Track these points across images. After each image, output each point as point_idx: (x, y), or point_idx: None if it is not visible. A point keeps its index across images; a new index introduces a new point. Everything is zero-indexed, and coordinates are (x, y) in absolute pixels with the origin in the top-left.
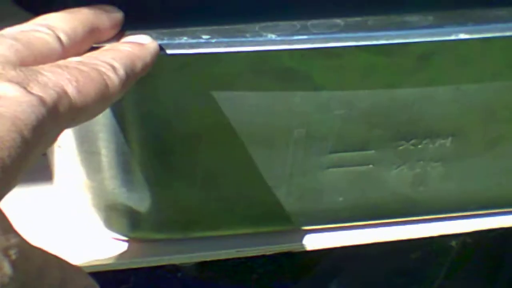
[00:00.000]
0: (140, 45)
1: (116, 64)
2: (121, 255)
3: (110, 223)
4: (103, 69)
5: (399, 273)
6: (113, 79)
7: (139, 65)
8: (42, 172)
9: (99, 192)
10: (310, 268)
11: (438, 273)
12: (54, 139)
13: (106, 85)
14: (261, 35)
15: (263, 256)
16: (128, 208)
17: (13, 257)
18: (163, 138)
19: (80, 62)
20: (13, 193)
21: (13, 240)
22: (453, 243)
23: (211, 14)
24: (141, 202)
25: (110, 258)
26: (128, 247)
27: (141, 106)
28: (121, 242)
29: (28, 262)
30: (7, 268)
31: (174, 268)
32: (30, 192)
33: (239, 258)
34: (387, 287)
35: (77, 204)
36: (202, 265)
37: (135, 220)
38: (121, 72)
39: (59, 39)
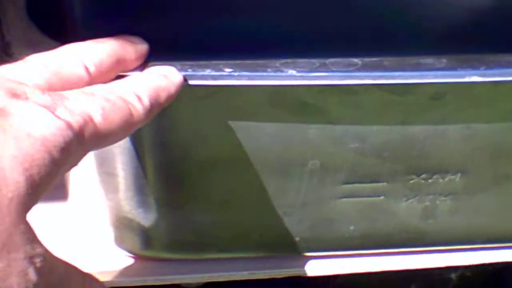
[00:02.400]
0: (165, 76)
1: (142, 94)
2: (133, 273)
3: (123, 241)
4: (129, 99)
5: None
6: (138, 108)
7: (163, 95)
8: (58, 189)
9: (115, 211)
10: None
11: None
12: (79, 160)
13: (131, 114)
14: (281, 70)
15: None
16: (143, 227)
17: (38, 265)
18: (179, 164)
19: (106, 90)
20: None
21: (38, 250)
22: (453, 275)
23: (234, 48)
24: (156, 222)
25: (122, 275)
26: (141, 265)
27: (160, 133)
28: (133, 260)
29: (51, 271)
30: (32, 275)
31: None
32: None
33: (241, 282)
34: None
35: (91, 221)
36: (204, 286)
37: (149, 239)
38: (146, 102)
39: (86, 68)
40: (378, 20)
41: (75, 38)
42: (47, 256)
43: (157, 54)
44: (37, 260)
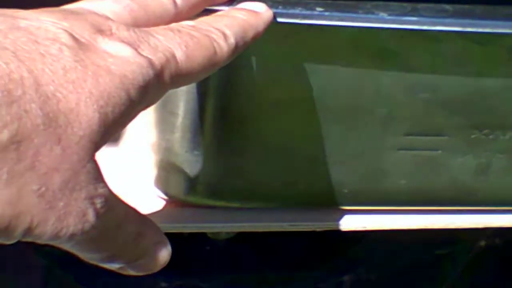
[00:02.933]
0: (255, 13)
1: (228, 32)
2: (172, 219)
3: (167, 184)
4: (215, 36)
5: (418, 266)
6: (223, 46)
7: (250, 33)
8: None
9: (168, 153)
10: (335, 255)
11: (455, 272)
12: (156, 99)
13: (215, 52)
14: (372, 13)
15: (292, 237)
16: (192, 171)
17: (98, 205)
18: (243, 105)
19: (192, 26)
20: None
21: (101, 190)
22: (482, 243)
23: None
24: (207, 166)
25: (160, 220)
26: (180, 211)
27: (230, 70)
28: (175, 205)
29: (111, 213)
30: (90, 216)
31: (203, 241)
32: None
33: (268, 238)
34: (401, 278)
35: (141, 164)
36: (233, 240)
37: (195, 184)
38: (232, 40)
39: (173, 1)
40: None
41: None
42: (109, 197)
43: None
44: (98, 201)
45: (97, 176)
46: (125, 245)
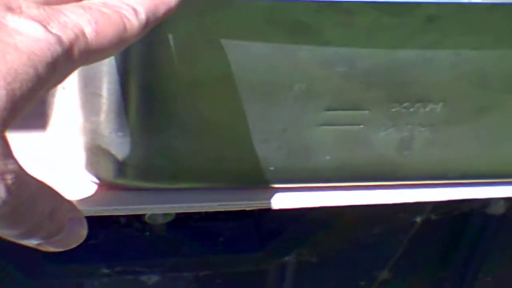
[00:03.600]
0: None
1: (139, 8)
2: (103, 202)
3: (97, 167)
4: (125, 12)
5: (358, 246)
6: (133, 22)
7: (162, 9)
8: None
9: (94, 135)
10: (275, 235)
11: (396, 251)
12: (65, 76)
13: (125, 29)
14: None
15: (231, 219)
16: (119, 153)
17: (9, 181)
18: (164, 83)
19: (103, 3)
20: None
21: (11, 166)
22: (418, 219)
23: None
24: (133, 148)
25: (91, 203)
26: (111, 194)
27: (149, 49)
28: (104, 188)
29: (23, 188)
30: (2, 191)
31: (142, 227)
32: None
33: (207, 221)
34: (344, 259)
35: (69, 148)
36: (171, 225)
37: (123, 166)
38: (142, 16)
39: None
40: None
41: None
42: (20, 173)
43: None
44: (9, 177)
45: (7, 152)
46: (40, 221)
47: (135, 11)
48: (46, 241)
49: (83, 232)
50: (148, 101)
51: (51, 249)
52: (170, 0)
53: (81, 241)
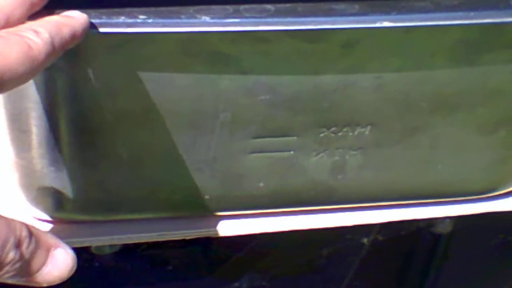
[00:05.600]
0: (67, 15)
1: (40, 29)
2: None
3: (35, 203)
4: (26, 34)
5: (309, 269)
6: (36, 41)
7: (65, 31)
8: None
9: (27, 171)
10: (224, 261)
11: (348, 272)
12: None
13: (30, 47)
14: (195, 17)
15: (179, 247)
16: (54, 188)
17: None
18: (90, 117)
19: (6, 31)
20: None
21: None
22: (365, 240)
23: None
24: (67, 182)
25: None
26: (52, 228)
27: (72, 83)
28: (45, 222)
29: None
30: None
31: (91, 258)
32: None
33: (155, 249)
34: (296, 283)
35: (2, 184)
36: (118, 255)
37: (60, 200)
38: (45, 35)
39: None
40: None
41: None
42: None
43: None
44: None
45: None
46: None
47: (36, 31)
48: (26, 278)
49: (69, 261)
50: (76, 135)
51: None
52: (72, 24)
53: (71, 272)
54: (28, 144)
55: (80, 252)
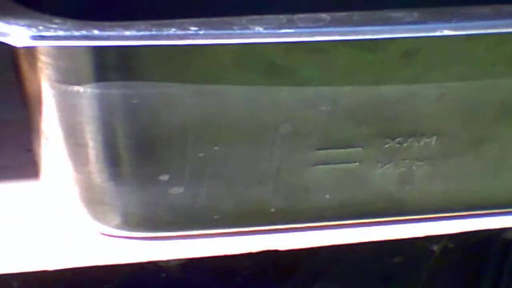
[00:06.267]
0: None
1: None
2: (109, 252)
3: (97, 218)
4: None
5: (382, 277)
6: None
7: None
8: (29, 168)
9: (86, 186)
10: (293, 271)
11: (420, 278)
12: None
13: None
14: (248, 28)
15: (247, 258)
16: (115, 202)
17: None
18: (149, 131)
19: None
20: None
21: None
22: (435, 247)
23: (198, 8)
24: (128, 197)
25: (97, 254)
26: (116, 243)
27: (128, 98)
28: (108, 237)
29: None
30: None
31: (157, 269)
32: (16, 188)
33: (222, 261)
34: None
35: (65, 199)
36: (186, 266)
37: (123, 215)
38: None
39: None
40: None
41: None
42: None
43: (125, 14)
44: None
45: None
46: None
47: None
48: None
49: None
50: (135, 150)
51: None
52: None
53: None
54: (85, 159)
55: (147, 264)
